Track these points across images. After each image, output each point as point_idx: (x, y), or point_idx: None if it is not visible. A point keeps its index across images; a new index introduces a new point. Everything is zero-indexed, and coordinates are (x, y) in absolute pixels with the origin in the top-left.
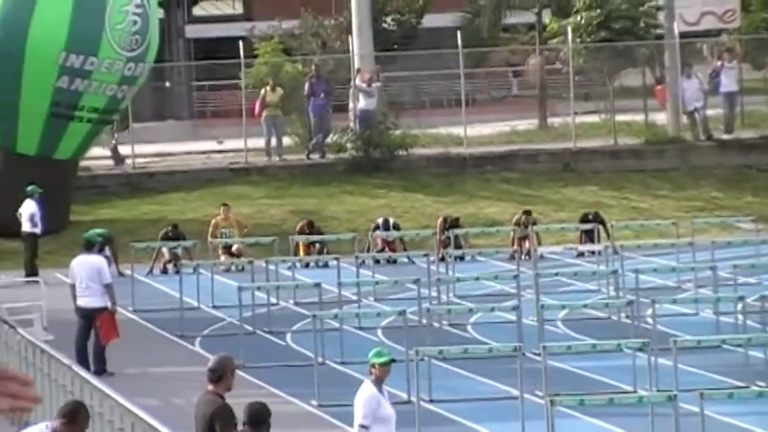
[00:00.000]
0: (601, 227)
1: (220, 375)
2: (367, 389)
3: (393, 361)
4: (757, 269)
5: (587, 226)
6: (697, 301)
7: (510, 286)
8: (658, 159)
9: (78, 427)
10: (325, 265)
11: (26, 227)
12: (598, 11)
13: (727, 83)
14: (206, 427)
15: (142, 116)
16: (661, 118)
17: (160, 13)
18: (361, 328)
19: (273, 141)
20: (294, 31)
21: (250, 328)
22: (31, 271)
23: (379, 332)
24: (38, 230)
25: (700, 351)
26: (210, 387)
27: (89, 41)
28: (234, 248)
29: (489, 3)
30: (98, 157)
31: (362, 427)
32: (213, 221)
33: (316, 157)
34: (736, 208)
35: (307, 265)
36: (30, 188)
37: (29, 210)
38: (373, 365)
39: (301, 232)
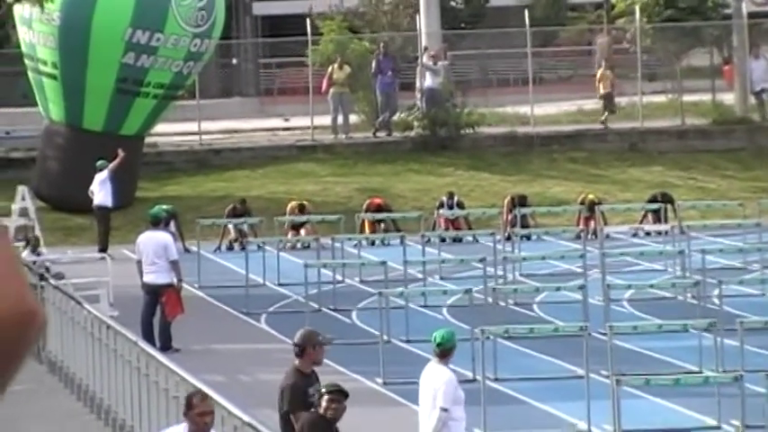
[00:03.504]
0: (669, 206)
1: (302, 350)
2: (445, 371)
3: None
4: None
5: (654, 206)
6: (764, 281)
7: (576, 266)
8: (725, 139)
9: None
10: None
11: (98, 199)
12: None
13: None
14: (280, 401)
15: (209, 93)
16: (728, 98)
17: None
18: (426, 307)
19: (340, 119)
20: (359, 9)
21: (315, 306)
22: (104, 246)
23: (445, 311)
24: (109, 203)
25: (766, 332)
26: (296, 362)
27: (155, 18)
28: (303, 232)
29: None
30: (164, 134)
31: (444, 410)
32: (290, 208)
33: (382, 134)
34: None
35: (372, 243)
36: (99, 163)
37: (100, 184)
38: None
39: (369, 210)
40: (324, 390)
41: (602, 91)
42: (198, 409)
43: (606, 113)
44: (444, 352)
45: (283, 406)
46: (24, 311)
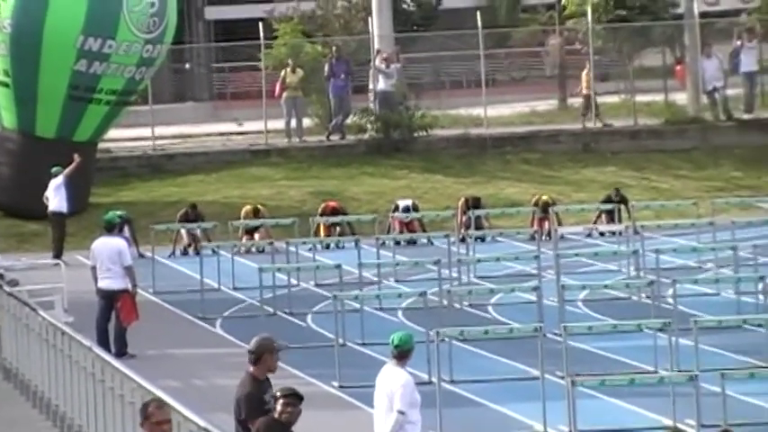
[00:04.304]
0: (623, 206)
1: (258, 357)
2: (402, 374)
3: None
4: None
5: (608, 206)
6: (718, 281)
7: (531, 267)
8: (678, 139)
9: None
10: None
11: (53, 205)
12: None
13: (747, 62)
14: (237, 409)
15: (162, 98)
16: (681, 98)
17: None
18: (381, 309)
19: (293, 123)
20: (315, 11)
21: (271, 310)
22: (58, 253)
23: (400, 313)
24: (64, 209)
25: (720, 331)
26: (250, 368)
27: (107, 24)
28: (257, 237)
29: None
30: (118, 139)
31: (402, 413)
32: (244, 212)
33: (336, 138)
34: (756, 188)
35: (327, 247)
36: (54, 169)
37: (54, 190)
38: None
39: (324, 213)
40: (279, 393)
41: (584, 91)
42: (155, 418)
43: (587, 113)
44: (402, 354)
45: (241, 414)
46: None
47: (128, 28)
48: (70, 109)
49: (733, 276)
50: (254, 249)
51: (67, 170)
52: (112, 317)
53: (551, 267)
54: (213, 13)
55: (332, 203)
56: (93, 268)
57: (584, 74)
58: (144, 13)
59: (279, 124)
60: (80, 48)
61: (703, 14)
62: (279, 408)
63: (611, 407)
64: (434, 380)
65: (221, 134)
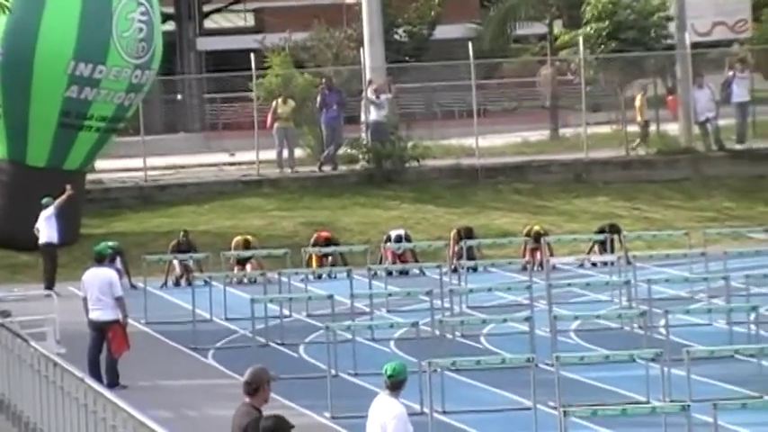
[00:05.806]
0: (615, 236)
1: (256, 388)
2: (396, 405)
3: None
4: None
5: (601, 236)
6: (710, 311)
7: (523, 297)
8: (670, 170)
9: None
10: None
11: (43, 237)
12: (607, 22)
13: (739, 93)
14: None
15: (154, 129)
16: (673, 128)
17: (171, 25)
18: (373, 340)
19: (285, 153)
20: (306, 43)
21: (263, 341)
22: (50, 284)
23: (392, 344)
24: (55, 240)
25: (713, 361)
26: (247, 399)
27: (97, 50)
28: (248, 267)
29: (496, 14)
30: (109, 170)
31: None
32: (234, 243)
33: (328, 168)
34: (748, 218)
35: (319, 277)
36: (45, 200)
37: (45, 221)
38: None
39: (316, 244)
40: None
41: (639, 119)
42: None
43: (639, 140)
44: (395, 384)
45: None
46: None
47: (118, 53)
48: (61, 137)
49: (725, 306)
50: (246, 280)
51: (58, 201)
52: (104, 348)
53: (543, 298)
54: (205, 44)
55: (324, 234)
56: (85, 299)
57: (637, 101)
58: (133, 39)
59: (271, 155)
60: (71, 73)
61: (695, 45)
62: None
63: None
64: (426, 410)
65: (213, 165)
